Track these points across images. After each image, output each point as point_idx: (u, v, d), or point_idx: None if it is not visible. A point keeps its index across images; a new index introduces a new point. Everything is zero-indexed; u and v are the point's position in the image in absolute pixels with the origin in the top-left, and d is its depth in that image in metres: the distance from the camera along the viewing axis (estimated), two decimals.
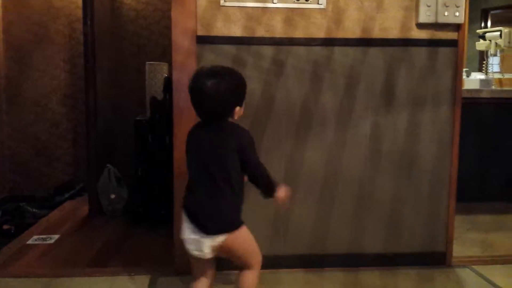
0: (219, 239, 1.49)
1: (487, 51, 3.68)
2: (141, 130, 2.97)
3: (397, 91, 2.21)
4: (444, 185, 2.26)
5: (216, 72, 1.49)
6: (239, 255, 1.57)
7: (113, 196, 3.09)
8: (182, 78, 2.06)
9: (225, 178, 1.49)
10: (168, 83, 2.91)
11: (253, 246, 1.58)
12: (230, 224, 1.52)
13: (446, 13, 2.17)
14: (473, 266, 2.28)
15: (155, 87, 3.13)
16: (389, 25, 2.17)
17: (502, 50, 3.61)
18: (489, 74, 3.64)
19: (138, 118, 3.02)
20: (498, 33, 3.52)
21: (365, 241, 2.25)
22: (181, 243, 2.13)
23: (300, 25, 2.12)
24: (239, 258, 1.58)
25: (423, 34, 2.20)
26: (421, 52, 2.21)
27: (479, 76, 3.59)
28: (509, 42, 3.50)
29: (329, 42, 2.14)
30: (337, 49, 2.15)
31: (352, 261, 2.24)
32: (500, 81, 3.64)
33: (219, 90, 1.46)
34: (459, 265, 2.28)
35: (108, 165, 3.15)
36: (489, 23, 4.66)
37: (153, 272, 2.18)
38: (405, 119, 2.22)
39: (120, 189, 3.13)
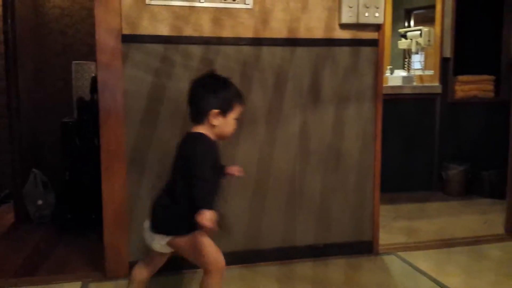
0: (163, 238, 1.58)
1: (409, 50, 3.90)
2: (68, 133, 2.86)
3: (323, 90, 2.29)
4: (369, 177, 2.37)
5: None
6: (191, 258, 1.64)
7: (40, 202, 2.96)
8: (108, 78, 2.02)
9: (174, 184, 1.58)
10: (95, 83, 2.82)
11: (204, 255, 1.58)
12: (170, 228, 1.58)
13: (366, 14, 2.27)
14: (398, 253, 2.42)
15: (82, 87, 3.04)
16: (313, 25, 2.25)
17: (423, 48, 3.85)
18: (411, 71, 3.85)
19: (65, 120, 2.90)
20: (419, 32, 3.74)
21: (297, 234, 2.32)
22: (112, 246, 2.12)
23: (228, 24, 2.14)
24: (194, 260, 1.64)
25: (345, 34, 2.29)
26: (345, 52, 2.31)
27: (402, 73, 3.80)
28: (429, 41, 3.73)
29: (257, 42, 2.18)
30: (265, 49, 2.20)
31: (285, 254, 2.30)
32: (421, 78, 3.86)
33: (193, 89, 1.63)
34: (385, 253, 2.41)
35: (34, 169, 3.01)
36: (412, 23, 4.95)
37: (84, 278, 2.11)
38: (331, 116, 2.31)
39: (48, 195, 3.00)
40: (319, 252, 2.35)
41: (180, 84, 2.06)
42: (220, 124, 1.60)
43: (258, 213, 2.26)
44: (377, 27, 2.33)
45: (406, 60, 3.93)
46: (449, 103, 3.74)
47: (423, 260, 2.33)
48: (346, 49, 2.31)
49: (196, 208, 1.44)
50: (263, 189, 2.25)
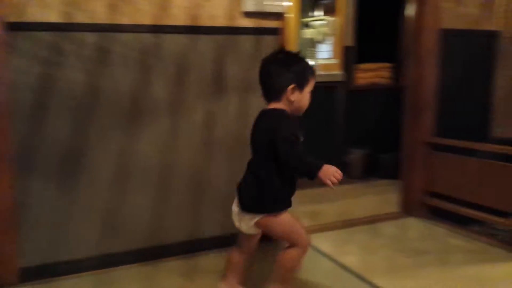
0: (252, 218, 1.64)
1: (314, 39, 4.02)
2: None
3: (227, 79, 2.29)
4: None
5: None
6: (278, 236, 1.72)
7: None
8: None
9: (258, 163, 1.66)
10: None
11: (294, 231, 1.67)
12: (260, 208, 1.64)
13: (269, 3, 2.29)
14: None
15: None
16: (216, 13, 2.22)
17: (331, 37, 3.98)
18: (315, 60, 3.98)
19: None
20: (323, 22, 3.86)
21: (204, 227, 2.31)
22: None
23: (125, 10, 2.05)
24: (281, 238, 1.73)
25: (249, 23, 2.30)
26: (248, 40, 2.31)
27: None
28: (333, 30, 3.87)
29: (157, 29, 2.11)
30: (166, 37, 2.14)
31: (190, 247, 2.28)
32: (327, 66, 4.00)
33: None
34: None
35: None
36: (319, 13, 5.09)
37: None
38: (236, 106, 2.32)
39: None
40: (226, 242, 2.36)
41: (73, 74, 1.94)
42: (297, 99, 1.64)
43: (160, 208, 2.21)
44: (280, 16, 2.36)
45: (312, 49, 4.06)
46: (351, 90, 3.93)
47: (324, 241, 2.44)
48: (249, 38, 2.32)
49: (293, 175, 1.63)
50: (166, 183, 2.21)
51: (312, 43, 4.15)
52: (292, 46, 4.10)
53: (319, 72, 3.82)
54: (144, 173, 2.16)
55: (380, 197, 3.31)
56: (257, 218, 1.64)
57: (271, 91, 1.65)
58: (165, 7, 2.11)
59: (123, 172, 2.10)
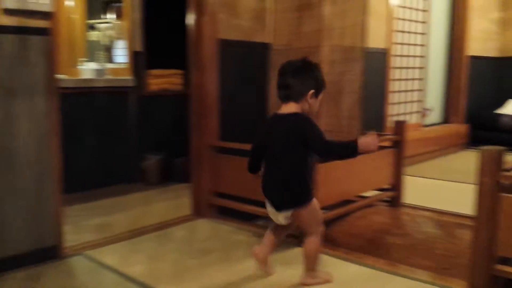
0: (288, 211, 1.91)
1: (104, 42, 3.85)
2: None
3: None
4: (48, 178, 2.21)
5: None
6: (305, 224, 1.95)
7: None
8: None
9: (284, 164, 1.90)
10: None
11: (319, 219, 1.96)
12: (295, 202, 1.90)
13: (33, 0, 2.08)
14: (87, 252, 2.35)
15: None
16: None
17: (116, 41, 3.86)
18: (103, 64, 3.82)
19: None
20: (109, 24, 3.73)
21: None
22: None
23: None
24: (306, 226, 1.95)
25: (10, 21, 2.05)
26: (10, 40, 2.06)
27: (94, 66, 3.72)
28: (119, 34, 3.76)
29: None
30: None
31: None
32: (117, 71, 3.87)
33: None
34: (72, 255, 2.31)
35: None
36: (112, 15, 4.90)
37: None
38: None
39: None
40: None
41: None
42: (312, 103, 1.87)
43: None
44: (48, 15, 2.16)
45: (101, 53, 3.88)
46: (143, 95, 3.88)
47: (110, 254, 2.33)
48: (12, 38, 2.06)
49: (341, 158, 2.03)
50: None
51: (107, 47, 3.97)
52: (78, 48, 3.87)
53: (107, 76, 3.68)
54: None
55: (174, 202, 3.34)
56: (290, 211, 1.91)
57: (294, 94, 1.86)
58: None
59: None
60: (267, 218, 2.92)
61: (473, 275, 1.90)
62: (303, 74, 1.87)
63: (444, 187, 3.72)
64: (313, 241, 1.95)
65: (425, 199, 3.13)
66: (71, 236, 2.43)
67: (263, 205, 2.75)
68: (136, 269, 2.16)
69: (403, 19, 4.56)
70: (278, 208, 1.92)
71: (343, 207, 2.81)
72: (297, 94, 1.86)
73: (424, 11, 4.81)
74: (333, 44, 2.75)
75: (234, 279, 2.09)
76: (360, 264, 2.22)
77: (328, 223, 2.70)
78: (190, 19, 2.86)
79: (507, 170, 1.85)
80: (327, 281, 2.02)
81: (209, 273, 2.15)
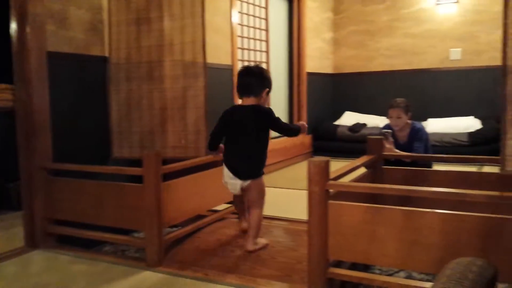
0: (245, 182, 2.48)
1: None
2: None
3: None
4: None
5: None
6: (254, 195, 2.50)
7: None
8: None
9: (248, 143, 2.51)
10: None
11: (264, 191, 2.54)
12: (253, 174, 2.49)
13: None
14: None
15: None
16: None
17: None
18: None
19: None
20: None
21: None
22: None
23: None
24: (255, 197, 2.50)
25: None
26: None
27: None
28: None
29: None
30: None
31: None
32: None
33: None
34: None
35: None
36: None
37: None
38: None
39: None
40: None
41: None
42: (265, 98, 2.49)
43: None
44: None
45: None
46: None
47: None
48: None
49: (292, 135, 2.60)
50: None
51: None
52: None
53: None
54: None
55: (5, 232, 2.95)
56: (248, 181, 2.47)
57: (254, 91, 2.45)
58: None
59: None
60: (113, 243, 2.74)
61: (310, 280, 2.00)
62: (261, 76, 2.47)
63: (293, 196, 3.92)
64: (257, 213, 2.48)
65: (276, 209, 3.25)
66: None
67: (107, 230, 2.59)
68: None
69: (247, 37, 4.76)
70: (242, 177, 2.46)
71: (193, 224, 2.78)
72: (256, 90, 2.45)
73: (263, 30, 5.07)
74: (174, 59, 2.71)
75: None
76: (201, 280, 2.20)
77: (178, 241, 2.65)
78: (13, 29, 2.57)
79: (334, 179, 2.01)
80: (266, 246, 2.55)
81: None
